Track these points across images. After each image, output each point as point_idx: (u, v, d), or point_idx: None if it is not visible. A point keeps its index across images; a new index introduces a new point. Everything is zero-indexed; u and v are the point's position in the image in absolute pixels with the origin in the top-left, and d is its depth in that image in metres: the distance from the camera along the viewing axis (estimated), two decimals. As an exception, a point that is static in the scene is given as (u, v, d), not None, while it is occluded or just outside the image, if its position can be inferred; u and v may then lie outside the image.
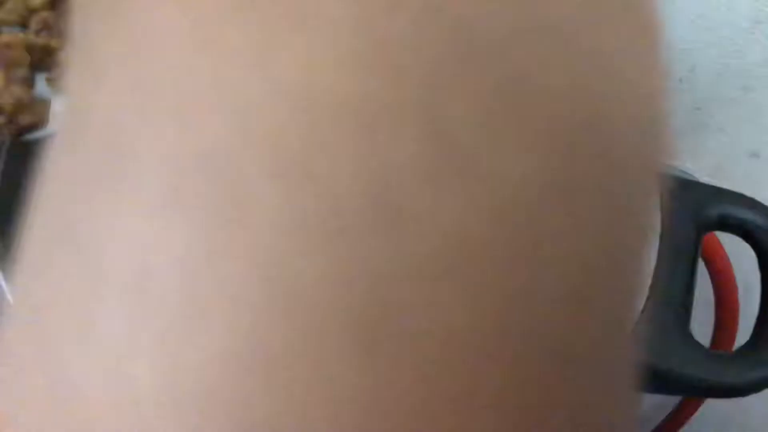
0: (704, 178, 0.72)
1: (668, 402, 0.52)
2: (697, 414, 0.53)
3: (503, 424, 0.12)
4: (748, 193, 0.47)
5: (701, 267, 0.58)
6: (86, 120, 0.13)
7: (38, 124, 0.39)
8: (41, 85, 0.40)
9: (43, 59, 0.41)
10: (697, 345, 0.39)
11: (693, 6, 0.64)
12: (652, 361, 0.38)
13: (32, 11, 0.41)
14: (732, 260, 0.54)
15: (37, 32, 0.41)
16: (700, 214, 0.43)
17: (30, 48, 0.40)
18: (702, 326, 0.57)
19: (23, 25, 0.41)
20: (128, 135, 0.12)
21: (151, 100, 0.12)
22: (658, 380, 0.38)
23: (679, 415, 0.51)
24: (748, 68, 0.70)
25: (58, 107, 0.40)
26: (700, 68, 0.69)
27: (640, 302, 0.41)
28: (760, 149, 0.75)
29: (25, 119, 0.39)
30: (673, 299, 0.40)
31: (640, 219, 0.15)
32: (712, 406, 0.55)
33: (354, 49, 0.11)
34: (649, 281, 0.41)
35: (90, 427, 0.12)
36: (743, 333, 0.47)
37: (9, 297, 0.33)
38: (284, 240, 0.11)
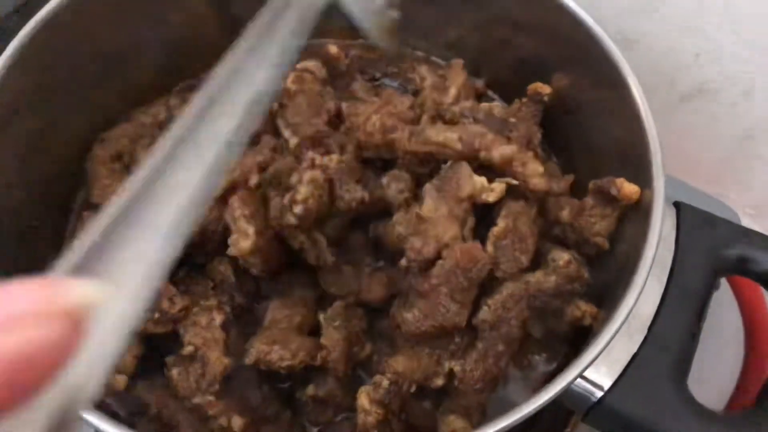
0: (747, 211, 0.67)
1: None
2: None
3: None
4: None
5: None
6: None
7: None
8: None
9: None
10: (691, 400, 0.34)
11: (754, 25, 0.59)
12: (636, 412, 0.34)
13: None
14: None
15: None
16: (718, 254, 0.38)
17: None
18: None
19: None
20: None
21: None
22: (641, 433, 0.35)
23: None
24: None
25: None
26: (757, 93, 0.64)
27: (634, 344, 0.37)
28: (814, 187, 0.69)
29: None
30: (672, 345, 0.36)
31: None
32: None
33: None
34: (648, 321, 0.37)
35: None
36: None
37: None
38: None
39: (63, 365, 0.15)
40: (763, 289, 0.41)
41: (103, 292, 0.16)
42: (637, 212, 0.39)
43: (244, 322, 0.41)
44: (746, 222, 0.60)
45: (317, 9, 0.29)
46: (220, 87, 0.22)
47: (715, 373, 0.53)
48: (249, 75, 0.23)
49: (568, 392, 0.33)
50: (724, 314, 0.56)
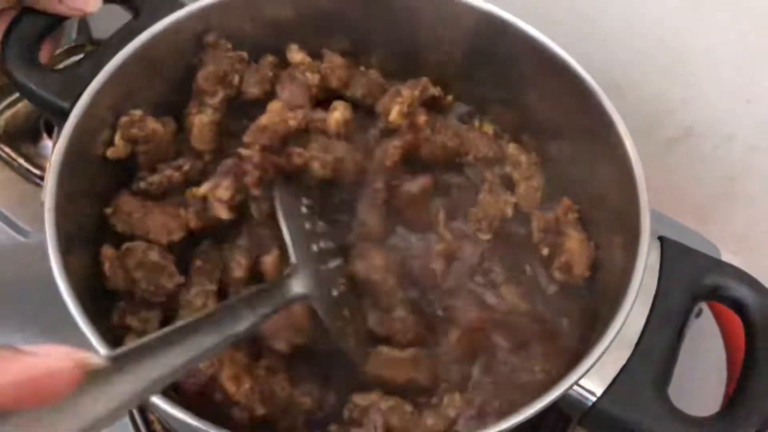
0: (729, 248, 0.72)
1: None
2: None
3: None
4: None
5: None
6: None
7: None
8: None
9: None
10: (670, 406, 0.40)
11: (735, 76, 0.65)
12: (623, 415, 0.40)
13: None
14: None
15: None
16: (696, 282, 0.44)
17: None
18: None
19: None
20: None
21: None
22: (627, 435, 0.40)
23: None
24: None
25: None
26: (738, 138, 0.70)
27: (622, 357, 0.43)
28: (790, 226, 0.75)
29: None
30: (655, 359, 0.41)
31: None
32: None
33: None
34: (635, 338, 0.43)
35: None
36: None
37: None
38: None
39: (61, 392, 0.25)
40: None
41: (96, 362, 0.26)
42: (628, 245, 0.45)
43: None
44: (727, 257, 0.66)
45: (286, 302, 0.40)
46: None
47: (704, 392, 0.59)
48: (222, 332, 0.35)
49: (566, 398, 0.39)
50: (709, 341, 0.62)
